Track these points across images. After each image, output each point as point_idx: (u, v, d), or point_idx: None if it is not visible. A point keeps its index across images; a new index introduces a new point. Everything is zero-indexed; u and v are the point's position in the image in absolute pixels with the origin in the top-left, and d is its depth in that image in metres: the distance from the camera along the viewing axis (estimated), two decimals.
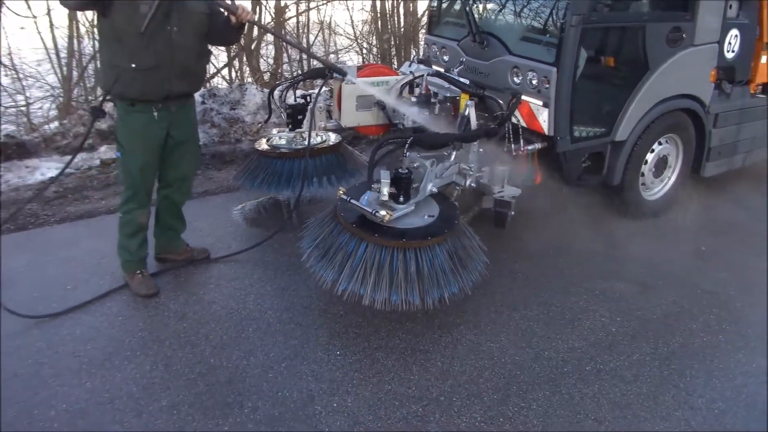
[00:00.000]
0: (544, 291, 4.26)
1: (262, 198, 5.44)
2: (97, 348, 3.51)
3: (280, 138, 5.16)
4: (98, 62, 10.00)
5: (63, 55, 9.83)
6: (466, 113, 4.21)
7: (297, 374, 3.33)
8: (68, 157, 6.17)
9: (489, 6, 5.26)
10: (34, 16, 9.06)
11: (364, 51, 13.10)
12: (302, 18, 12.07)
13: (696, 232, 5.28)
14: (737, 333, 3.89)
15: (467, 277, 3.70)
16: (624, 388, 3.34)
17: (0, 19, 8.32)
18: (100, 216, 5.23)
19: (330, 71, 4.55)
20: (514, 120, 4.52)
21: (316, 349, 3.55)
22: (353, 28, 12.89)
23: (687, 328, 3.92)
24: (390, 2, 12.53)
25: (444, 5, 5.91)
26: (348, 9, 12.55)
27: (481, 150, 4.33)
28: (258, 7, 10.43)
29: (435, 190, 4.02)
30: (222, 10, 3.82)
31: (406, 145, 3.89)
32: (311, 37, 12.49)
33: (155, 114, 3.75)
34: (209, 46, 4.04)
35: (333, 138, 5.25)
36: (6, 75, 8.87)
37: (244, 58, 11.13)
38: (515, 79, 4.73)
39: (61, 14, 9.29)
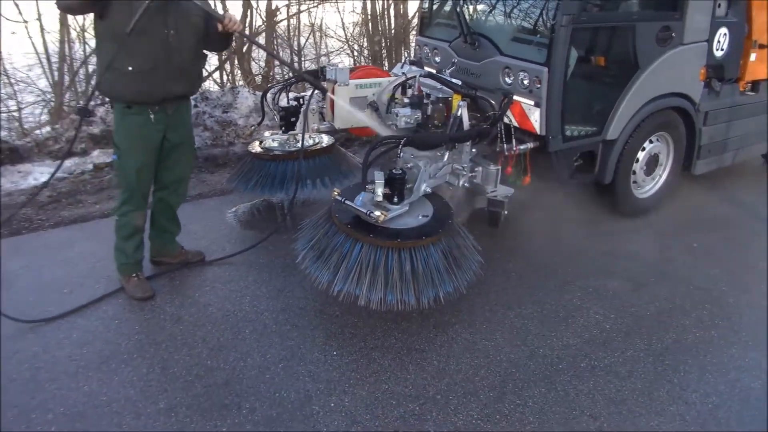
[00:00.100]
0: (538, 289, 4.29)
1: (256, 200, 5.46)
2: (94, 351, 3.51)
3: (273, 140, 5.17)
4: (88, 66, 10.08)
5: (54, 59, 9.82)
6: (459, 114, 4.23)
7: (294, 375, 3.35)
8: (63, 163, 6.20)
9: (480, 7, 5.28)
10: (25, 21, 9.05)
11: (355, 53, 13.12)
12: (293, 20, 12.10)
13: (687, 229, 5.33)
14: (730, 328, 3.93)
15: (462, 276, 3.73)
16: (619, 384, 3.37)
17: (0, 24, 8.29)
18: (94, 220, 5.22)
19: (319, 87, 4.56)
20: (506, 120, 4.55)
21: (313, 350, 3.56)
22: (344, 31, 12.92)
23: (680, 324, 3.95)
24: (380, 4, 12.56)
25: (435, 6, 5.94)
26: (339, 11, 12.59)
27: (473, 150, 4.37)
28: (249, 10, 10.45)
29: (429, 190, 4.04)
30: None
31: (400, 145, 3.91)
32: (302, 40, 12.52)
33: (152, 116, 3.76)
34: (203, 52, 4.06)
35: (326, 140, 5.28)
36: None
37: (236, 61, 11.14)
38: (507, 79, 4.75)
39: (51, 18, 9.29)
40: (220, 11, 4.16)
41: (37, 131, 7.88)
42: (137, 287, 4.02)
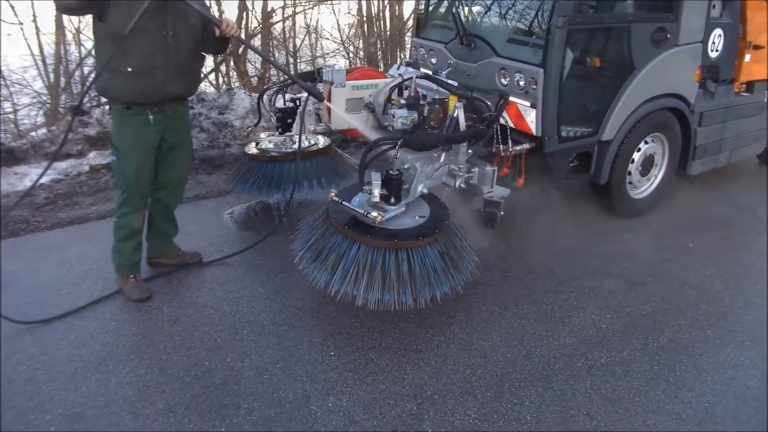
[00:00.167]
0: (534, 289, 4.30)
1: (253, 202, 5.46)
2: (92, 352, 3.51)
3: (269, 142, 5.18)
4: (83, 68, 10.08)
5: (49, 61, 9.82)
6: (455, 115, 4.24)
7: (292, 375, 3.36)
8: (58, 164, 6.20)
9: (476, 8, 5.30)
10: (21, 23, 9.04)
11: (351, 55, 13.14)
12: (288, 22, 12.11)
13: (683, 229, 5.36)
14: (725, 328, 3.95)
15: (458, 276, 3.76)
16: (615, 383, 3.39)
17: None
18: (90, 221, 5.22)
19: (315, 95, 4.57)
20: (502, 121, 4.56)
21: (311, 350, 3.57)
22: (340, 32, 12.94)
23: (676, 324, 3.97)
24: (376, 5, 12.58)
25: (431, 8, 5.95)
26: (334, 13, 12.60)
27: (470, 151, 4.38)
28: (245, 12, 10.46)
29: (425, 191, 4.06)
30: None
31: (397, 146, 3.92)
32: (298, 42, 12.53)
33: (151, 117, 3.77)
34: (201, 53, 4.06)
35: (322, 141, 5.29)
36: None
37: (231, 63, 11.15)
38: (503, 80, 4.77)
39: (47, 20, 9.29)
40: (217, 15, 4.16)
41: (33, 133, 7.86)
42: (134, 288, 4.03)
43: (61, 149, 4.76)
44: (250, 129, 7.27)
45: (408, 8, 12.52)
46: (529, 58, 4.60)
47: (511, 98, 4.55)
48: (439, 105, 4.41)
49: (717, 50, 5.37)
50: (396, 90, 4.71)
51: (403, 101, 4.55)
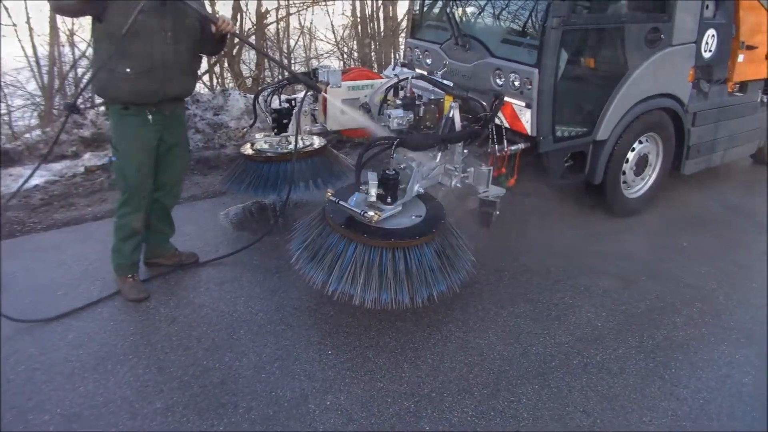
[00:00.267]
0: (530, 288, 4.33)
1: (248, 202, 5.47)
2: (89, 353, 3.51)
3: (265, 142, 5.19)
4: (77, 70, 10.08)
5: (43, 63, 9.80)
6: (451, 115, 4.26)
7: (290, 374, 3.37)
8: (53, 165, 6.20)
9: (470, 9, 5.32)
10: (14, 24, 9.03)
11: (345, 56, 13.16)
12: (282, 23, 12.12)
13: (677, 228, 5.39)
14: (720, 326, 3.98)
15: (455, 275, 3.78)
16: (611, 380, 3.41)
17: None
18: (86, 222, 5.21)
19: (312, 87, 4.59)
20: (497, 121, 4.59)
21: (308, 349, 3.58)
22: (334, 33, 12.95)
23: (671, 322, 4.00)
24: (370, 5, 12.60)
25: (426, 9, 5.97)
26: (328, 14, 12.61)
27: (465, 151, 4.40)
28: (239, 14, 10.47)
29: (422, 190, 4.07)
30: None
31: (393, 146, 3.94)
32: (292, 43, 12.54)
33: (150, 117, 3.78)
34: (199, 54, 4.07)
35: (318, 142, 5.30)
36: None
37: (226, 64, 11.15)
38: (498, 80, 4.80)
39: (41, 21, 9.28)
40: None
41: (27, 135, 7.85)
42: (132, 288, 4.03)
43: (54, 145, 4.75)
44: (245, 130, 7.27)
45: (402, 9, 12.56)
46: (524, 58, 4.63)
47: (506, 98, 4.57)
48: (434, 105, 4.44)
49: (710, 50, 5.41)
50: (392, 90, 4.73)
51: (398, 101, 4.58)
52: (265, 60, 11.40)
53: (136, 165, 3.85)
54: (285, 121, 5.13)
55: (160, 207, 4.21)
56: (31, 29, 9.47)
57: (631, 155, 5.33)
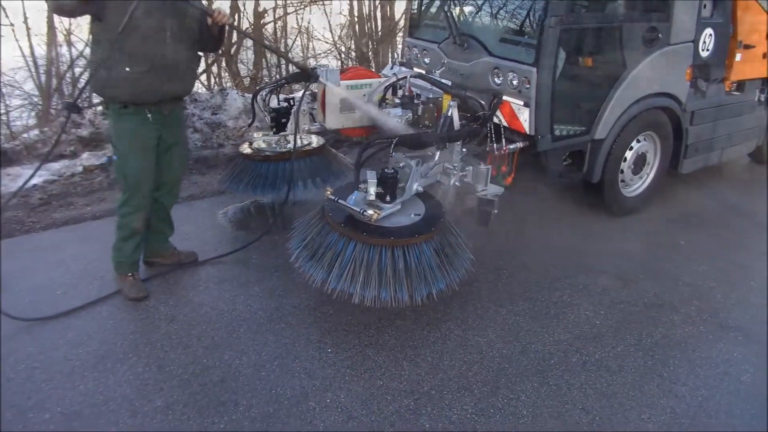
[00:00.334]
0: (528, 286, 4.34)
1: (246, 201, 5.47)
2: (89, 351, 3.51)
3: (263, 141, 5.19)
4: (74, 70, 10.07)
5: (41, 62, 9.80)
6: (449, 114, 4.27)
7: (290, 372, 3.37)
8: (51, 165, 6.20)
9: (469, 8, 5.33)
10: (12, 24, 9.02)
11: (343, 55, 13.16)
12: (280, 23, 12.12)
13: (675, 227, 5.41)
14: (717, 324, 4.00)
15: (454, 273, 3.78)
16: (609, 378, 3.42)
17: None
18: (85, 222, 5.21)
19: (311, 75, 4.59)
20: (495, 120, 4.60)
21: (308, 348, 3.59)
22: (331, 33, 12.95)
23: (669, 320, 4.01)
24: (367, 5, 12.61)
25: (424, 8, 5.98)
26: (326, 14, 12.61)
27: (464, 150, 4.41)
28: (237, 14, 10.47)
29: (420, 189, 4.08)
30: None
31: (392, 145, 3.95)
32: (289, 42, 12.53)
33: (149, 116, 3.78)
34: (198, 52, 4.07)
35: (316, 141, 5.30)
36: None
37: (224, 63, 11.15)
38: (496, 79, 4.81)
39: (38, 21, 9.28)
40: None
41: (25, 135, 7.85)
42: (132, 287, 4.03)
43: (56, 145, 4.72)
44: (243, 129, 7.28)
45: (399, 8, 12.57)
46: (522, 57, 4.64)
47: (504, 97, 4.58)
48: (433, 104, 4.45)
49: (708, 50, 5.42)
50: (390, 89, 4.74)
51: (397, 100, 4.60)
52: (263, 59, 11.41)
53: (136, 164, 3.85)
54: (284, 120, 5.13)
55: (160, 206, 4.21)
56: (28, 29, 9.46)
57: (629, 154, 5.34)
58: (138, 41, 3.55)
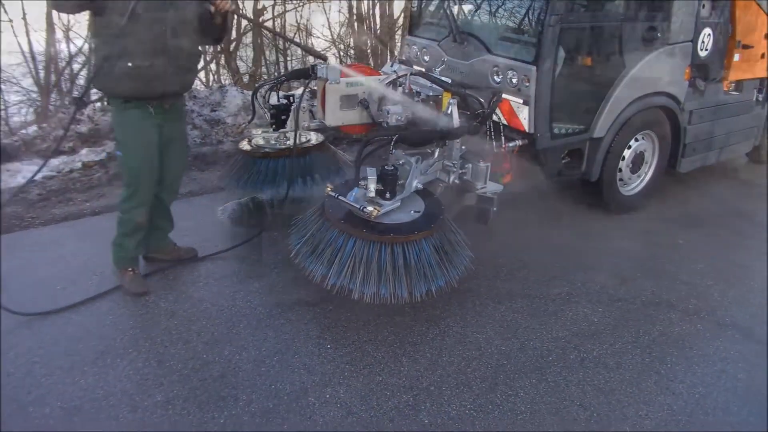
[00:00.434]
0: (527, 284, 4.36)
1: (246, 198, 5.47)
2: (89, 347, 3.52)
3: (263, 138, 5.20)
4: (72, 66, 10.06)
5: (39, 59, 9.79)
6: (449, 111, 4.29)
7: (289, 367, 3.39)
8: (51, 160, 6.19)
9: (469, 6, 5.35)
10: (10, 20, 9.01)
11: (342, 53, 13.15)
12: (279, 20, 12.11)
13: (672, 225, 5.43)
14: (715, 322, 4.02)
15: (453, 270, 3.80)
16: (607, 375, 3.44)
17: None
18: (84, 218, 5.22)
19: (313, 70, 4.59)
20: (495, 118, 4.61)
21: (307, 343, 3.60)
22: (330, 30, 12.95)
23: (666, 318, 4.03)
24: (366, 4, 12.61)
25: (424, 6, 5.99)
26: (325, 11, 12.61)
27: (463, 147, 4.42)
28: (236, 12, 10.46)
29: (420, 186, 4.10)
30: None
31: (392, 142, 3.96)
32: None
33: (151, 111, 3.79)
34: (199, 47, 4.07)
35: (315, 138, 5.31)
36: None
37: (222, 60, 11.15)
38: (495, 78, 4.82)
39: (38, 18, 9.27)
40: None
41: (24, 131, 7.85)
42: (133, 282, 4.04)
43: (64, 138, 4.75)
44: (243, 126, 7.28)
45: (398, 6, 12.58)
46: (521, 55, 4.66)
47: (503, 95, 4.60)
48: (432, 102, 4.46)
49: (706, 49, 5.44)
50: (390, 87, 4.74)
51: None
52: (262, 56, 11.41)
53: (140, 159, 3.85)
54: (283, 117, 5.13)
55: (159, 202, 4.22)
56: (26, 25, 9.45)
57: (627, 153, 5.36)
58: (139, 36, 3.54)
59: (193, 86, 4.40)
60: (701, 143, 5.86)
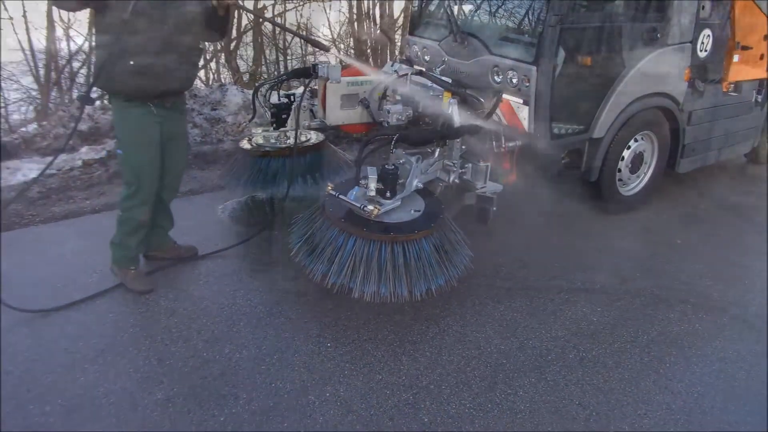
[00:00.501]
0: (526, 283, 4.37)
1: (247, 196, 5.48)
2: (89, 344, 3.53)
3: (263, 137, 5.21)
4: (72, 64, 10.05)
5: (39, 56, 9.78)
6: (449, 111, 4.30)
7: (289, 366, 3.40)
8: (50, 158, 6.19)
9: (469, 7, 5.36)
10: (11, 17, 9.01)
11: (342, 52, 13.14)
12: (279, 19, 12.10)
13: (671, 226, 5.44)
14: (713, 321, 4.03)
15: (453, 270, 3.81)
16: (606, 374, 3.45)
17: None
18: (84, 216, 5.23)
19: (314, 69, 4.60)
20: (495, 118, 4.62)
21: (307, 342, 3.61)
22: (330, 30, 12.95)
23: (665, 318, 4.04)
24: (366, 4, 12.61)
25: (425, 6, 6.00)
26: (325, 11, 12.61)
27: (463, 147, 4.43)
28: (237, 12, 10.47)
29: (420, 185, 4.11)
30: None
31: (393, 141, 3.97)
32: (288, 38, 12.53)
33: (153, 109, 3.79)
34: (201, 44, 4.08)
35: (315, 137, 5.32)
36: None
37: (223, 59, 11.16)
38: (496, 78, 4.83)
39: (38, 16, 9.27)
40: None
41: (23, 128, 7.85)
42: (137, 280, 4.05)
43: (73, 134, 4.77)
44: (243, 125, 7.29)
45: (398, 6, 12.58)
46: (522, 56, 4.67)
47: (504, 95, 4.61)
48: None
49: (706, 50, 5.45)
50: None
51: (398, 97, 4.61)
52: (262, 55, 11.41)
53: (142, 157, 3.86)
54: (284, 116, 5.15)
55: (159, 200, 4.21)
56: (27, 23, 9.45)
57: (626, 153, 5.37)
58: (141, 34, 3.54)
59: (193, 84, 4.40)
60: (700, 144, 5.87)
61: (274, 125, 5.16)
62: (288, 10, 12.16)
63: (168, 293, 4.07)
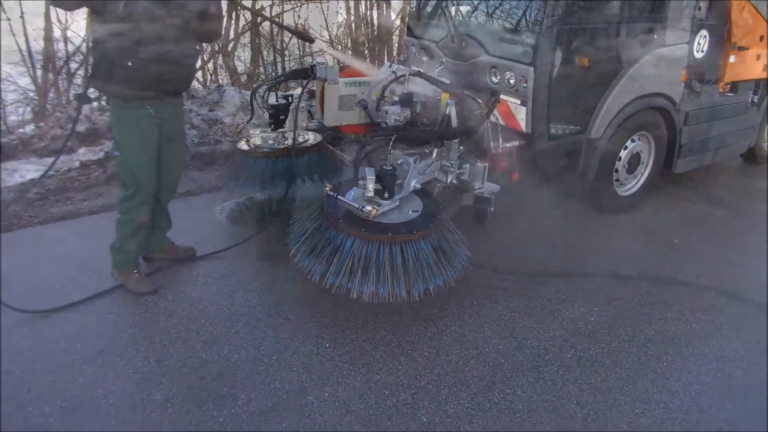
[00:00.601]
0: (524, 283, 4.38)
1: (245, 197, 5.48)
2: (88, 345, 3.53)
3: (261, 138, 5.21)
4: (70, 65, 10.05)
5: (37, 57, 9.78)
6: (447, 112, 4.31)
7: (288, 366, 3.40)
8: (47, 159, 6.20)
9: (467, 8, 5.37)
10: (8, 18, 9.01)
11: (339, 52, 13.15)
12: (276, 20, 12.10)
13: (668, 225, 5.46)
14: (710, 321, 4.04)
15: (451, 270, 3.82)
16: (604, 373, 3.46)
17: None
18: (82, 216, 5.24)
19: (312, 70, 4.61)
20: (492, 118, 4.63)
21: (306, 342, 3.62)
22: (328, 31, 12.95)
23: (662, 317, 4.06)
24: (364, 5, 12.62)
25: (422, 7, 6.01)
26: (323, 12, 12.62)
27: (461, 147, 4.45)
28: (234, 12, 10.48)
29: (418, 186, 4.12)
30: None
31: (391, 142, 3.98)
32: (286, 39, 12.54)
33: (150, 110, 3.79)
34: (197, 45, 4.08)
35: (313, 138, 5.32)
36: None
37: (220, 60, 11.16)
38: (493, 78, 4.84)
39: (36, 16, 9.26)
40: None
41: (21, 129, 7.84)
42: (140, 283, 4.06)
43: (72, 134, 4.76)
44: (241, 126, 7.29)
45: (396, 7, 12.60)
46: (519, 56, 4.68)
47: (501, 96, 4.62)
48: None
49: (702, 51, 5.48)
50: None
51: (395, 98, 4.62)
52: (260, 56, 11.42)
53: (141, 158, 3.86)
54: (282, 117, 5.15)
55: (157, 201, 4.21)
56: (24, 24, 9.45)
57: (623, 153, 5.39)
58: (138, 35, 3.54)
59: (191, 85, 4.40)
60: (697, 144, 5.89)
61: (272, 126, 5.16)
62: (285, 11, 12.17)
63: (167, 294, 4.07)
